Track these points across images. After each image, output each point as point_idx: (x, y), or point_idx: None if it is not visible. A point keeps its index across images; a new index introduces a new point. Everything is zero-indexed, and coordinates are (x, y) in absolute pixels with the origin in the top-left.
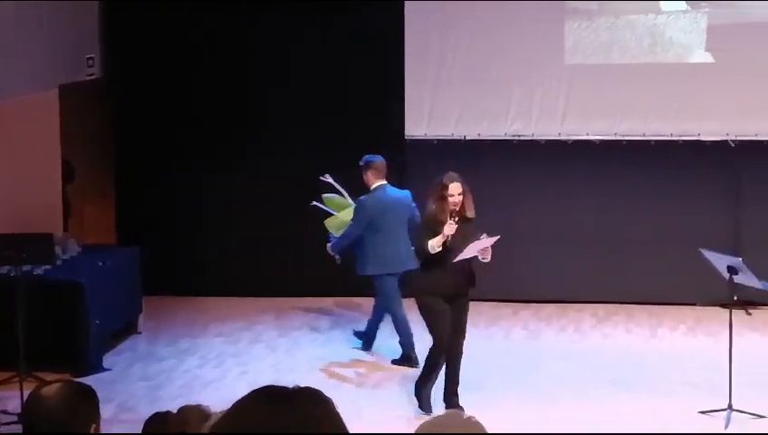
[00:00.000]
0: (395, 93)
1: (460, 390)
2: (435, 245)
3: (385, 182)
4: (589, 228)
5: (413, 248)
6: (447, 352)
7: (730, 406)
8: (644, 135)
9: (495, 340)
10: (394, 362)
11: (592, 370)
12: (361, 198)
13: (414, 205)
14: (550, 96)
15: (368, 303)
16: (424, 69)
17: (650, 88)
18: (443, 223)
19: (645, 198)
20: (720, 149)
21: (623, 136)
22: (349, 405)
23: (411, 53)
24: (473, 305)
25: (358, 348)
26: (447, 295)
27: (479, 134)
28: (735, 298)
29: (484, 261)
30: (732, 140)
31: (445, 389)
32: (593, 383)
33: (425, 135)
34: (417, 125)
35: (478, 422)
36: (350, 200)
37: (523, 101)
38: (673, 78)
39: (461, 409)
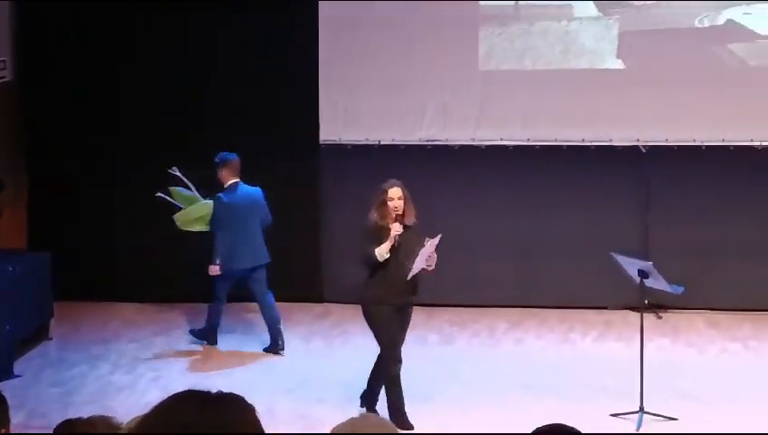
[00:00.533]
0: (309, 98)
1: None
2: (383, 252)
3: (239, 180)
4: (502, 233)
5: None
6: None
7: (641, 408)
8: (556, 140)
9: (409, 345)
10: (266, 349)
11: (504, 375)
12: (218, 195)
13: (264, 202)
14: (464, 102)
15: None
16: (339, 73)
17: (563, 94)
18: (386, 229)
19: (557, 203)
20: (631, 155)
21: (536, 141)
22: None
23: (326, 57)
24: None
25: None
26: (394, 305)
27: (393, 139)
28: (646, 302)
29: (430, 268)
30: (642, 146)
31: (371, 394)
32: (505, 388)
33: (339, 140)
34: (332, 130)
35: (392, 425)
36: (197, 195)
37: (438, 106)
38: (585, 84)
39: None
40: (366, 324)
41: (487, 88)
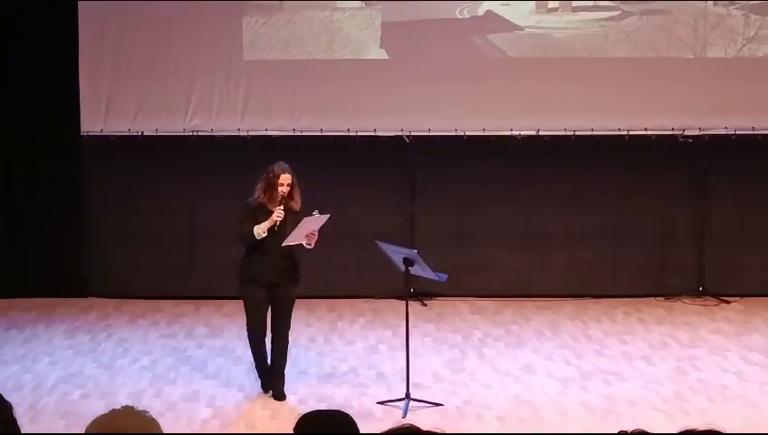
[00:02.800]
0: (69, 88)
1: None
2: (261, 231)
3: None
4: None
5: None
6: (272, 339)
7: (408, 395)
8: (321, 131)
9: None
10: None
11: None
12: None
13: None
14: (229, 92)
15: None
16: (99, 62)
17: (328, 84)
18: (269, 211)
19: (322, 194)
20: (396, 145)
21: (302, 132)
22: (29, 404)
23: (86, 45)
24: None
25: None
26: (268, 284)
27: (157, 130)
28: (412, 290)
29: (309, 247)
30: (407, 136)
31: (270, 374)
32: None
33: (101, 131)
34: (94, 121)
35: (153, 419)
36: None
37: (203, 96)
38: (349, 74)
39: (282, 396)
40: None
41: (252, 78)
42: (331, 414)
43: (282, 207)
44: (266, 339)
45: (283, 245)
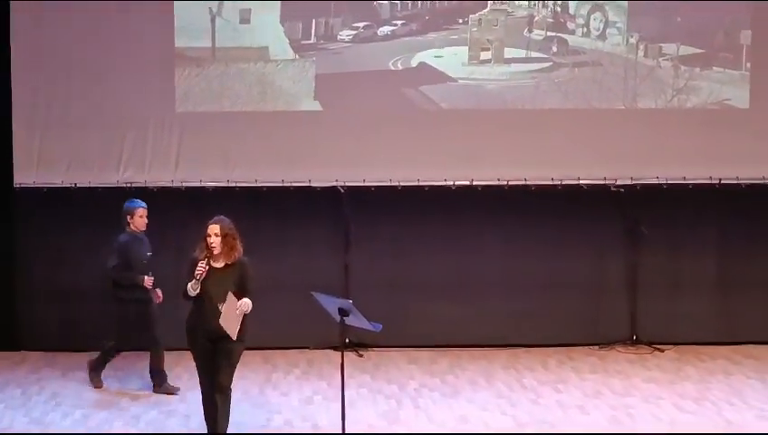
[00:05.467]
0: (2, 140)
1: None
2: (191, 288)
3: None
4: None
5: None
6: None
7: None
8: (256, 182)
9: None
10: None
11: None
12: None
13: None
14: (162, 143)
15: None
16: (32, 113)
17: (261, 135)
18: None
19: (259, 245)
20: (330, 195)
21: (236, 183)
22: None
23: (19, 97)
24: None
25: None
26: (209, 335)
27: (90, 182)
28: (347, 340)
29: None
30: (341, 187)
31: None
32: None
33: (34, 183)
34: (27, 173)
35: None
36: None
37: (136, 147)
38: (283, 126)
39: None
40: None
41: (185, 129)
42: None
43: (204, 261)
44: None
45: (222, 325)
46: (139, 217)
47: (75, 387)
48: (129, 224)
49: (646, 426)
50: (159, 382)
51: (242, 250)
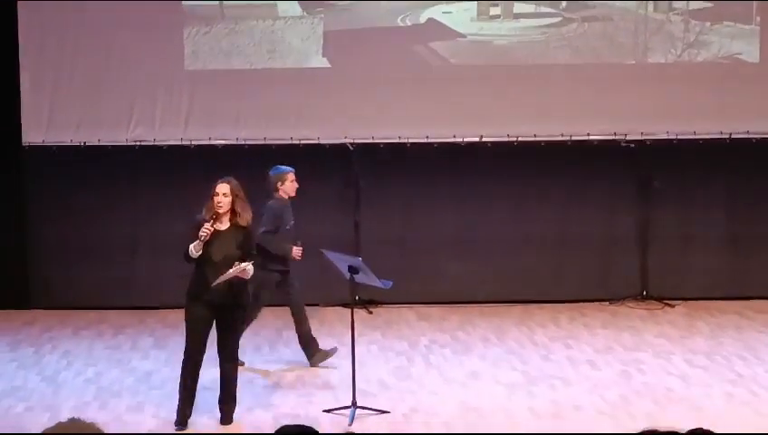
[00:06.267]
0: (10, 98)
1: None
2: (194, 249)
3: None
4: None
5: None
6: (219, 362)
7: (354, 403)
8: (265, 140)
9: None
10: None
11: None
12: None
13: None
14: (172, 102)
15: None
16: (41, 73)
17: (270, 93)
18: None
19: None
20: (339, 152)
21: (245, 141)
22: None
23: (27, 57)
24: None
25: None
26: (210, 302)
27: (99, 140)
28: (357, 298)
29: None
30: (350, 144)
31: (220, 398)
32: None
33: (43, 142)
34: (36, 132)
35: (100, 430)
36: None
37: (146, 106)
38: (292, 83)
39: (228, 421)
40: None
41: (195, 88)
42: (304, 431)
43: (210, 223)
44: (202, 368)
45: (213, 285)
46: (290, 182)
47: (87, 345)
48: (277, 190)
49: (656, 380)
50: (311, 353)
51: (251, 216)
